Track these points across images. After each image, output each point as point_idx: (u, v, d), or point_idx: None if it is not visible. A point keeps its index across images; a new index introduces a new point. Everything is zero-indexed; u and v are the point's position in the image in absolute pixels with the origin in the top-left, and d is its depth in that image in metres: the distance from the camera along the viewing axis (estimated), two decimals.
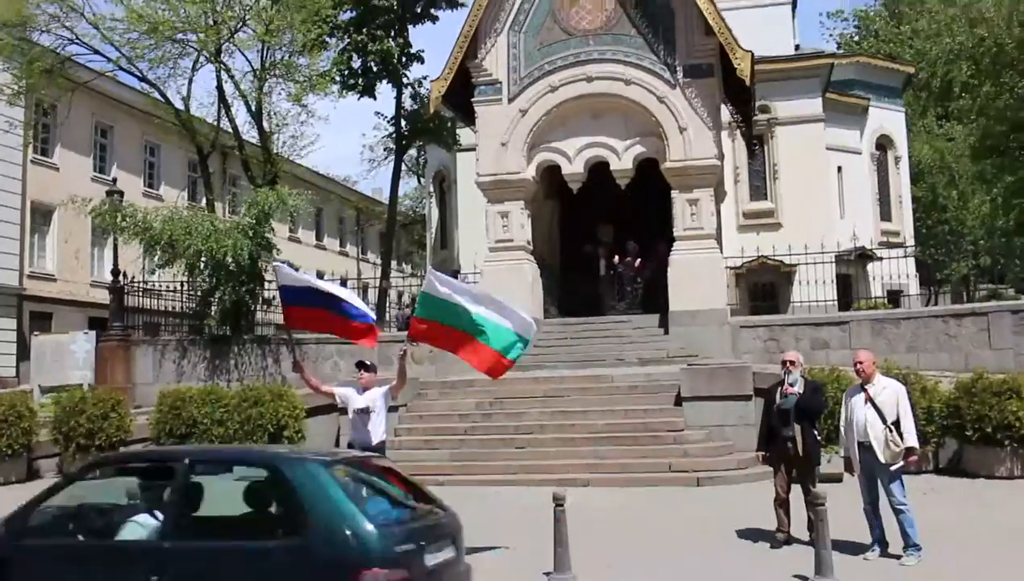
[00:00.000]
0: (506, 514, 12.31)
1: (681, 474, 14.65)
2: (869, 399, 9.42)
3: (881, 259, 26.65)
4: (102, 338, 22.55)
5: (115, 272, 22.90)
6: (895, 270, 24.41)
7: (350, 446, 10.13)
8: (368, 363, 10.54)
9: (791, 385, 10.07)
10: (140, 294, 24.10)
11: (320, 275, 32.88)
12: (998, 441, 14.17)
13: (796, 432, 9.89)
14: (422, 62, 32.10)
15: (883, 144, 36.26)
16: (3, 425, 16.93)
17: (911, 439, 9.30)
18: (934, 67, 34.23)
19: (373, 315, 11.06)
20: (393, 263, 39.51)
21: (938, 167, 41.55)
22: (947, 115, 44.42)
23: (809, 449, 9.95)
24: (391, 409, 12.79)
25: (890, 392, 9.49)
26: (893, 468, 9.26)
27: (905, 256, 27.61)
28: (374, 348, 11.74)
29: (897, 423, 9.28)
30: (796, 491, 10.05)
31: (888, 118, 36.29)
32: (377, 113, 36.15)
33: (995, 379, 14.61)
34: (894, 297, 28.29)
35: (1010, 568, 8.81)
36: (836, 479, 13.25)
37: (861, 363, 9.67)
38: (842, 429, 9.86)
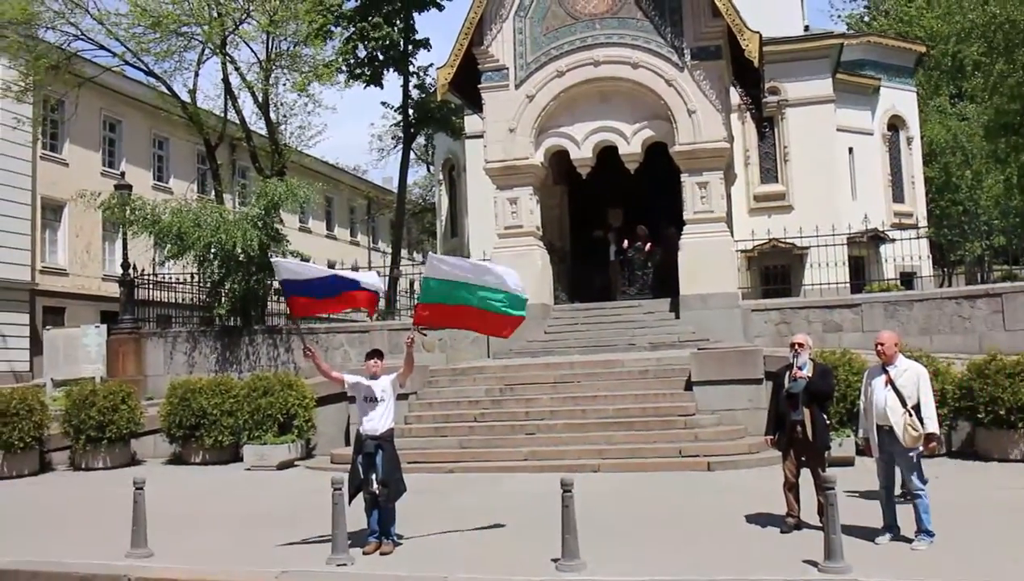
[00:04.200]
0: (515, 500, 12.29)
1: (692, 459, 14.56)
2: (889, 381, 9.18)
3: (894, 241, 26.42)
4: (113, 331, 22.62)
5: (125, 265, 22.92)
6: (908, 251, 24.20)
7: (358, 434, 10.10)
8: (378, 351, 10.50)
9: (800, 368, 9.94)
10: (151, 287, 24.17)
11: (331, 265, 33.04)
12: (1012, 423, 14.00)
13: (805, 416, 9.77)
14: (427, 49, 32.03)
15: (895, 124, 35.94)
16: (14, 419, 16.99)
17: (931, 425, 9.09)
18: (946, 46, 33.88)
19: (381, 286, 11.11)
20: (404, 252, 39.49)
21: (951, 147, 41.17)
22: (960, 94, 44.02)
23: (818, 433, 9.83)
24: (401, 397, 12.79)
25: (911, 375, 9.24)
26: (911, 453, 9.10)
27: (918, 237, 27.31)
28: (371, 315, 11.94)
29: (917, 407, 9.10)
30: (807, 475, 9.95)
31: (900, 98, 35.95)
32: (383, 103, 36.00)
33: (1009, 360, 14.42)
34: (907, 279, 28.06)
35: (1021, 552, 8.68)
36: (847, 463, 13.21)
37: (882, 345, 9.37)
38: (861, 411, 9.71)
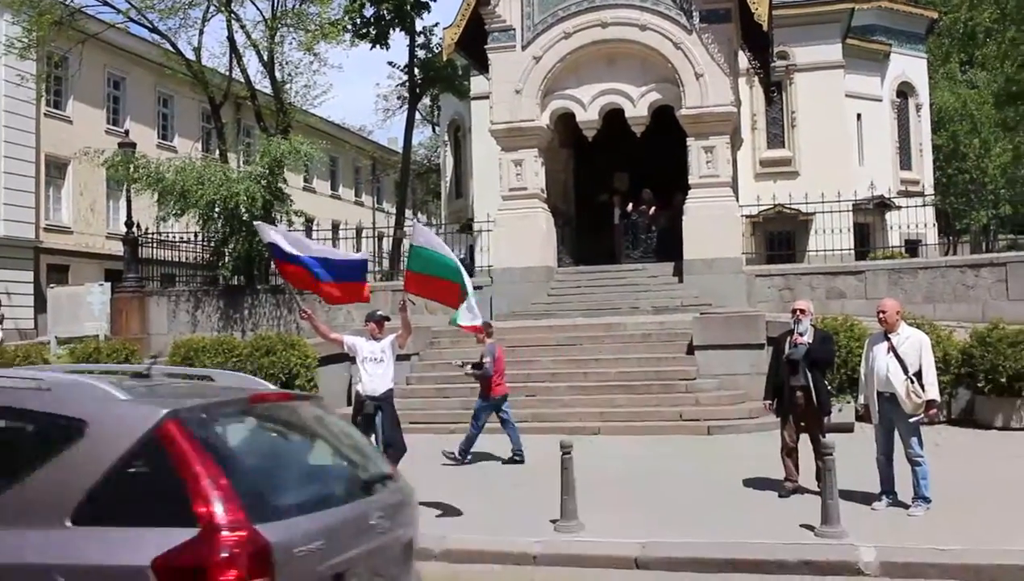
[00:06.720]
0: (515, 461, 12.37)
1: (692, 422, 14.62)
2: (892, 348, 9.16)
3: (900, 208, 26.34)
4: (117, 289, 22.63)
5: (128, 223, 22.91)
6: (914, 219, 24.12)
7: (359, 395, 10.13)
8: (379, 313, 10.49)
9: (801, 334, 9.94)
10: (155, 245, 24.15)
11: (335, 225, 32.94)
12: (1014, 391, 14.01)
13: (805, 381, 9.78)
14: (428, 10, 31.91)
15: (904, 91, 35.67)
16: None
17: (932, 391, 9.08)
18: (957, 12, 33.59)
19: (364, 259, 10.70)
20: (408, 212, 39.42)
21: (960, 115, 40.92)
22: (970, 61, 43.68)
23: (820, 398, 9.85)
24: (403, 358, 12.84)
25: (913, 342, 9.23)
26: (912, 420, 9.11)
27: (924, 205, 27.24)
28: (367, 302, 10.97)
29: (919, 374, 9.10)
30: (806, 440, 9.98)
31: (910, 64, 35.65)
32: (390, 63, 35.83)
33: (1011, 329, 14.45)
34: (912, 247, 27.94)
35: (1017, 522, 8.69)
36: (847, 429, 13.21)
37: (884, 312, 9.34)
38: (862, 377, 9.70)
